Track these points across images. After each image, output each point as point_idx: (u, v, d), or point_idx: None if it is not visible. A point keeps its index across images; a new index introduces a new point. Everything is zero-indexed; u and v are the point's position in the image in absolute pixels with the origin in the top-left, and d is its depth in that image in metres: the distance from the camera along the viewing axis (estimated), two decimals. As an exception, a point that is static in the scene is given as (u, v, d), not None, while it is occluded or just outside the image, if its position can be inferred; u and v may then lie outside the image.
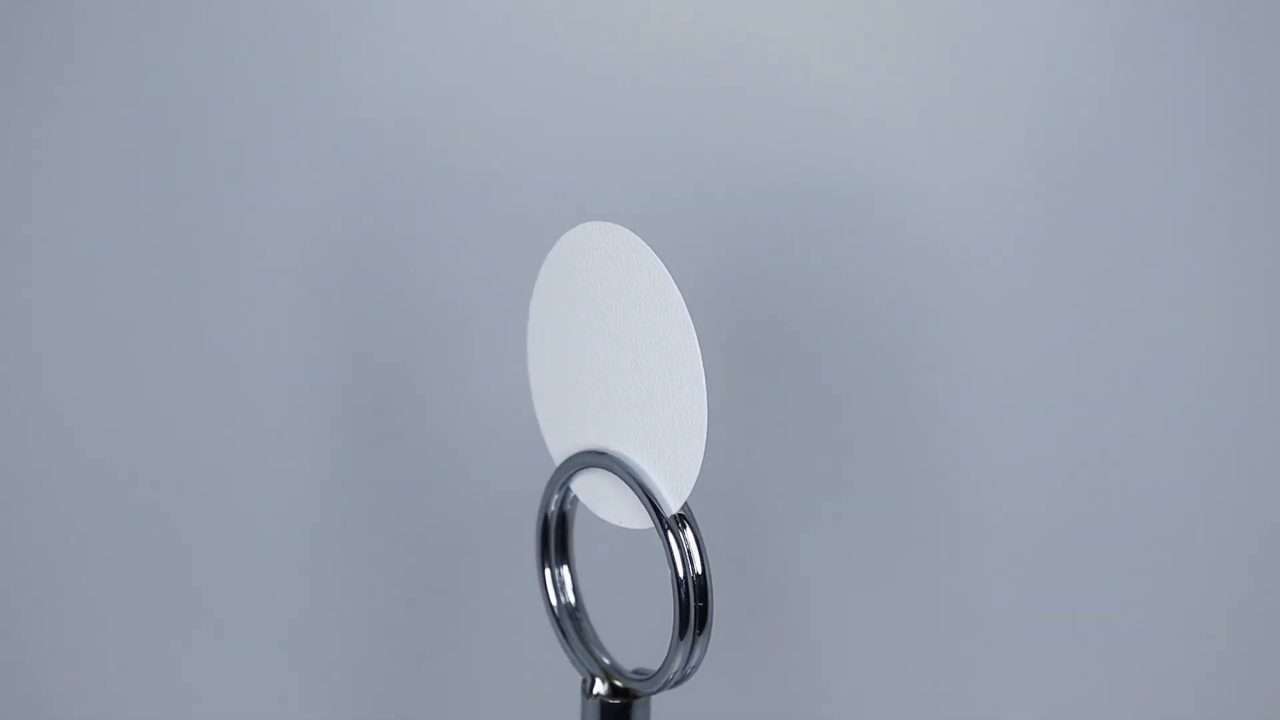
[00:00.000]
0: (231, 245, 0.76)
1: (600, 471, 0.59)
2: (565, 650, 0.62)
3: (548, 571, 0.62)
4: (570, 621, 0.62)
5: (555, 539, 0.62)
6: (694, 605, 0.56)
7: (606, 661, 0.62)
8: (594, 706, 0.61)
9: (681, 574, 0.56)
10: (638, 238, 0.57)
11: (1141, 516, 0.78)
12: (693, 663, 0.57)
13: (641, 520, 0.58)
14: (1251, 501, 0.78)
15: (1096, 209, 0.77)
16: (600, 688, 0.61)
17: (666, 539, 0.56)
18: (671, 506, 0.57)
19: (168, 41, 0.75)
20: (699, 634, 0.56)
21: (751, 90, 0.76)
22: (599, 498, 0.61)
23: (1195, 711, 0.79)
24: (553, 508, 0.62)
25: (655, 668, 0.59)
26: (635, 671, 0.61)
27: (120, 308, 0.77)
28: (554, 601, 0.62)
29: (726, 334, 0.75)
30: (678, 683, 0.58)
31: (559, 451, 0.61)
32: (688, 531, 0.56)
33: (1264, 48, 0.75)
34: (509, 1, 0.76)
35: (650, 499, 0.57)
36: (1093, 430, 0.78)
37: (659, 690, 0.59)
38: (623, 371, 0.58)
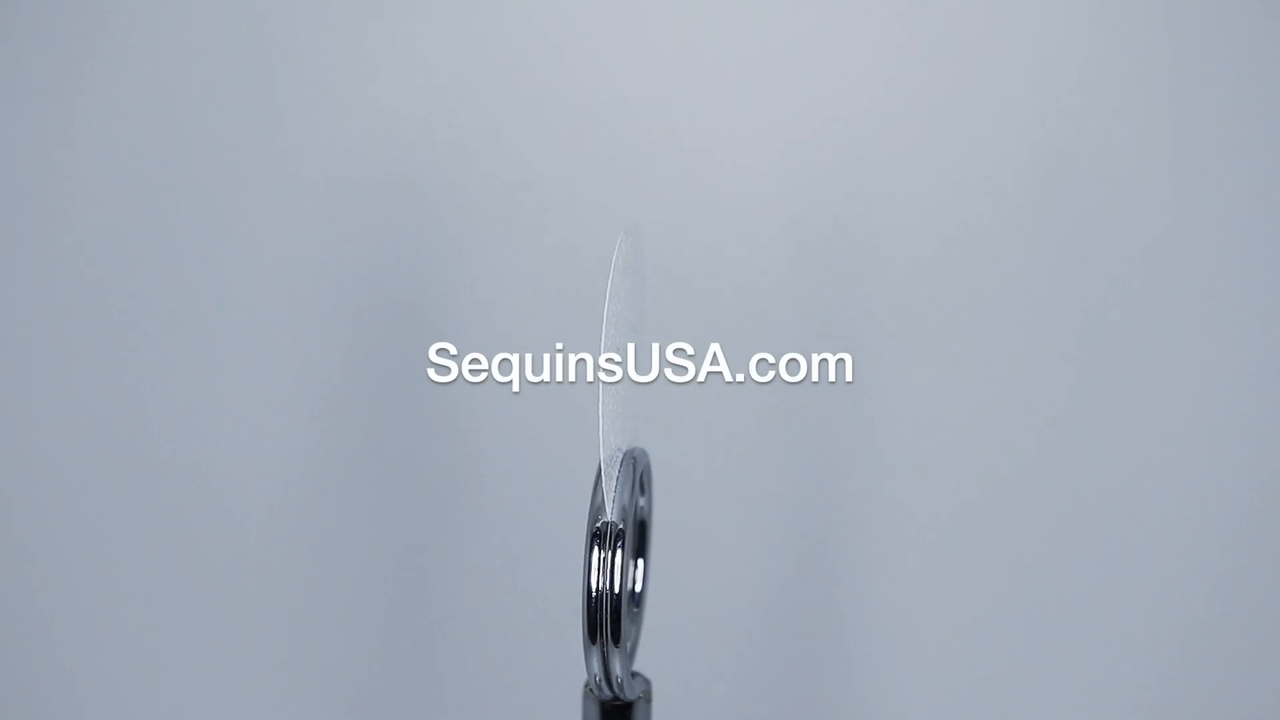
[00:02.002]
0: (244, 248, 0.76)
1: None
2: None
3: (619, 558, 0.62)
4: (628, 610, 0.62)
5: (634, 533, 0.62)
6: (601, 617, 0.55)
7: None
8: (593, 705, 0.61)
9: (595, 587, 0.55)
10: (619, 243, 0.57)
11: (1144, 517, 0.78)
12: (615, 674, 0.56)
13: None
14: (1247, 501, 0.78)
15: (1093, 213, 0.77)
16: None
17: (589, 545, 0.56)
18: (607, 514, 0.56)
19: (185, 41, 0.76)
20: (613, 645, 0.56)
21: (753, 94, 0.76)
22: None
23: (1187, 709, 0.79)
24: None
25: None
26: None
27: (132, 309, 0.77)
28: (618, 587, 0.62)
29: (730, 334, 0.75)
30: (616, 695, 0.57)
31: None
32: (613, 543, 0.56)
33: (1261, 50, 0.75)
34: (524, 11, 0.76)
35: (601, 503, 0.56)
36: (1091, 430, 0.78)
37: (605, 698, 0.58)
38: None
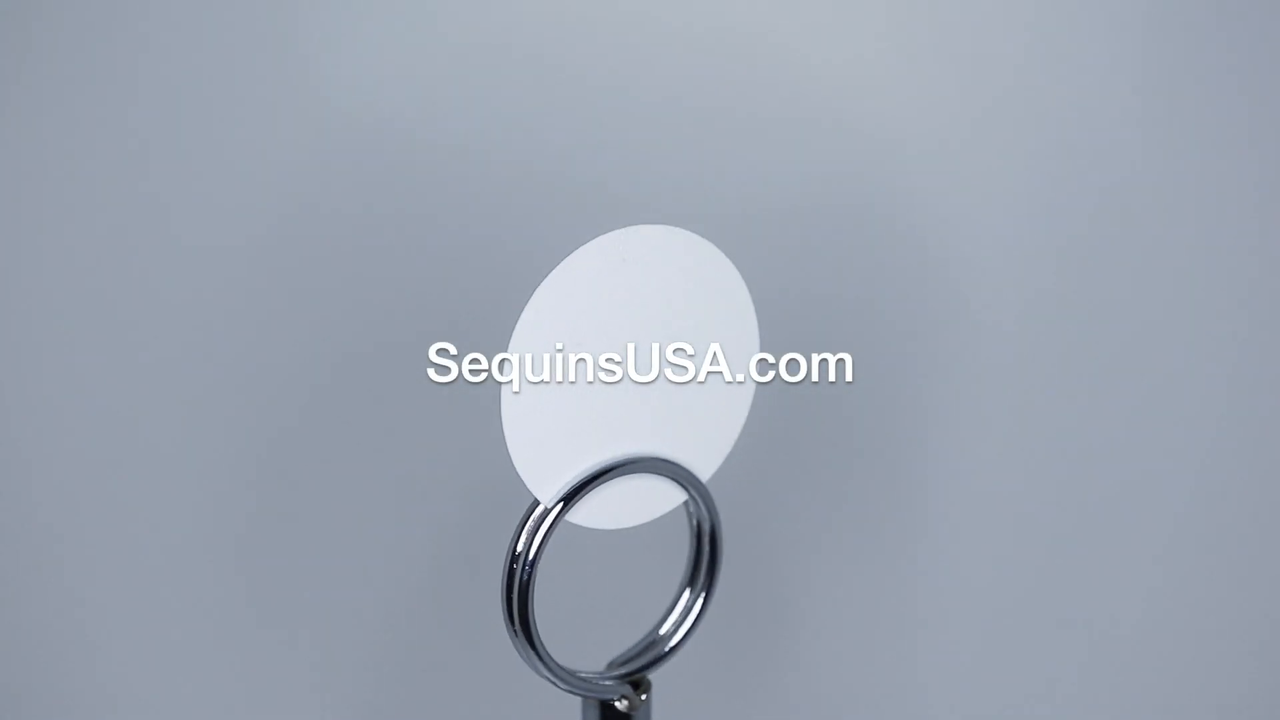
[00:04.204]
0: (242, 247, 0.77)
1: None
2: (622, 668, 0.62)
3: (687, 592, 0.62)
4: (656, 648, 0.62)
5: (707, 556, 0.62)
6: (512, 594, 0.57)
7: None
8: (594, 707, 0.61)
9: (517, 549, 0.57)
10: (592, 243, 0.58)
11: (1147, 521, 0.78)
12: (533, 669, 0.57)
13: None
14: (1256, 506, 0.78)
15: (1109, 217, 0.76)
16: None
17: (522, 520, 0.57)
18: (543, 498, 0.57)
19: (178, 36, 0.76)
20: (525, 639, 0.57)
21: (753, 93, 0.76)
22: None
23: (1191, 712, 0.79)
24: (693, 521, 0.62)
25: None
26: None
27: (130, 308, 0.77)
28: (674, 627, 0.62)
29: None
30: (552, 680, 0.58)
31: None
32: (541, 522, 0.57)
33: (1275, 54, 0.75)
34: (525, 7, 0.76)
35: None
36: (1093, 429, 0.78)
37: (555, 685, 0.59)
38: None
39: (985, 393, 0.77)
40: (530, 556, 0.57)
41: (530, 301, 0.56)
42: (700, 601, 0.61)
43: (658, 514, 0.61)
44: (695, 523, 0.61)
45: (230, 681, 0.79)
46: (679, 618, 0.61)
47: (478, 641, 0.79)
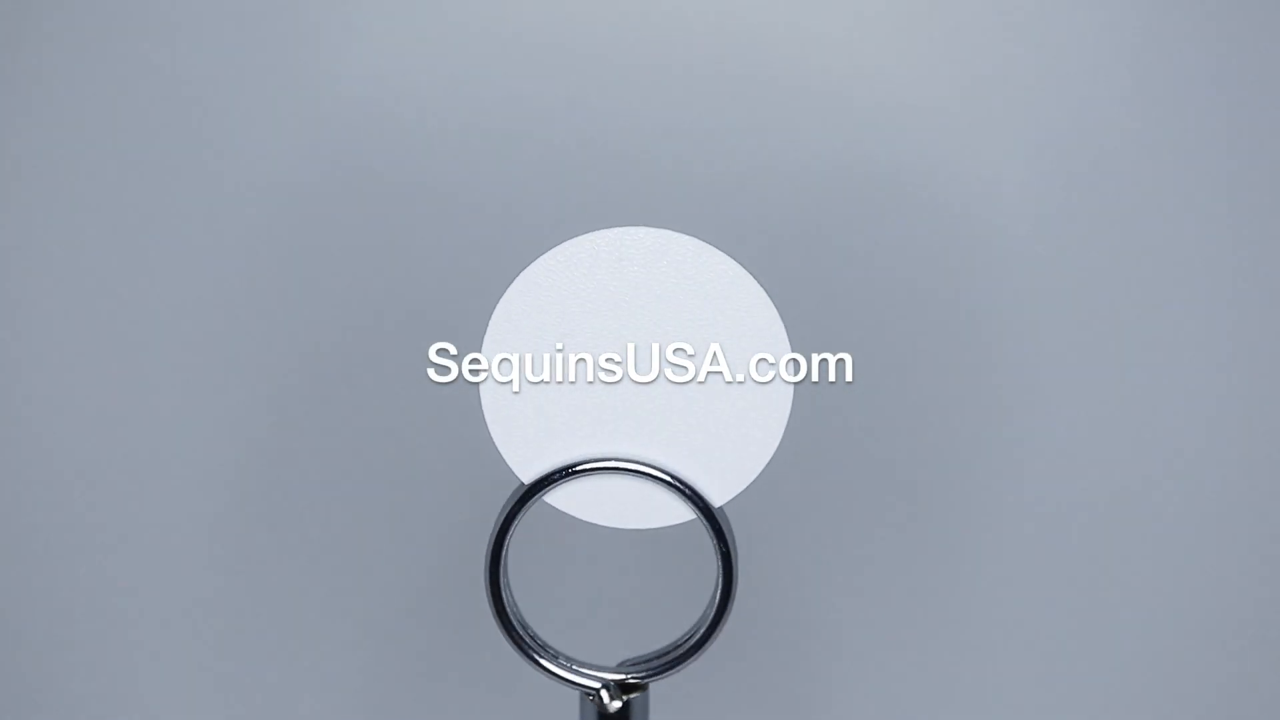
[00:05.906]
0: (242, 247, 0.76)
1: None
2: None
3: (703, 614, 0.62)
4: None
5: (721, 581, 0.61)
6: (487, 563, 0.58)
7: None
8: (592, 707, 0.61)
9: (498, 524, 0.59)
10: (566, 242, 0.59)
11: (1164, 522, 0.78)
12: (504, 639, 0.58)
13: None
14: (1273, 511, 0.78)
15: (1115, 216, 0.76)
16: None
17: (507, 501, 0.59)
18: (524, 478, 0.59)
19: (179, 34, 0.76)
20: (495, 608, 0.58)
21: (754, 91, 0.76)
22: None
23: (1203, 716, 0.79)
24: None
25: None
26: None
27: (129, 309, 0.77)
28: (687, 644, 0.61)
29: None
30: (522, 654, 0.60)
31: None
32: (524, 500, 0.59)
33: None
34: (528, 8, 0.76)
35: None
36: (1093, 430, 0.78)
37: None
38: None
39: (987, 393, 0.77)
40: (500, 528, 0.58)
41: (501, 299, 0.58)
42: (701, 630, 0.61)
43: (672, 521, 0.61)
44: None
45: (228, 680, 0.79)
46: (688, 635, 0.61)
47: (478, 642, 0.79)
